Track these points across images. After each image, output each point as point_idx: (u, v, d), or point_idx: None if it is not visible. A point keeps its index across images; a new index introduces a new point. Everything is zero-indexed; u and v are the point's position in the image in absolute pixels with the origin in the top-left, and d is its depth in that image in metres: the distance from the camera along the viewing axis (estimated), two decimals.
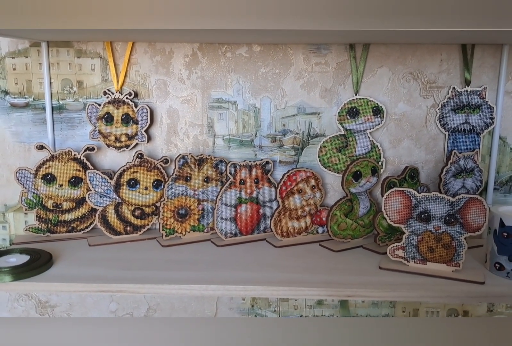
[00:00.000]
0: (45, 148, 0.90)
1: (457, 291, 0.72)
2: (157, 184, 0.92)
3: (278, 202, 0.90)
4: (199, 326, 0.99)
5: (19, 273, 0.74)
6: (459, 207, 0.75)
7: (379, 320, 1.02)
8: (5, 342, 0.91)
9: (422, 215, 0.77)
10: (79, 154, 0.92)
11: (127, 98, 0.93)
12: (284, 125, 0.96)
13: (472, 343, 0.86)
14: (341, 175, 0.89)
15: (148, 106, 0.93)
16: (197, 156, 0.90)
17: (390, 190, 0.78)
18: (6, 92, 0.95)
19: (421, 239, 0.78)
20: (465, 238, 0.75)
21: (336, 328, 0.97)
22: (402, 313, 1.02)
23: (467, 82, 0.91)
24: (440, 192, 0.89)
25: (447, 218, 0.75)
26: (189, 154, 0.90)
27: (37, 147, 0.90)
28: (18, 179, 0.90)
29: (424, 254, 0.78)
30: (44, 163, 0.90)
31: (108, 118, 0.93)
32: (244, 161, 0.91)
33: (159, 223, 0.90)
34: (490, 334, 0.91)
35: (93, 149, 0.93)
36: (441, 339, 0.93)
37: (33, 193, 0.91)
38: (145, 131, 0.94)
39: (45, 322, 1.01)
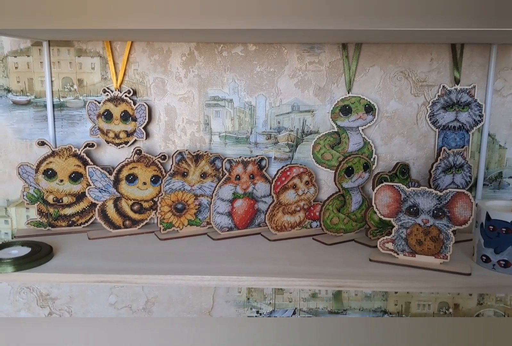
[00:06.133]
0: (46, 144, 0.92)
1: (444, 282, 0.75)
2: (155, 180, 0.95)
3: (272, 197, 0.93)
4: (197, 326, 1.01)
5: (20, 264, 0.76)
6: (446, 201, 0.77)
7: (372, 319, 1.04)
8: (5, 342, 0.93)
9: (411, 209, 0.79)
10: (79, 150, 0.94)
11: (126, 96, 0.95)
12: (278, 122, 0.98)
13: (462, 342, 0.88)
14: (334, 171, 0.91)
15: (146, 104, 0.96)
16: (194, 153, 0.93)
17: (380, 185, 0.81)
18: (9, 90, 0.97)
19: (410, 232, 0.80)
20: (452, 231, 0.78)
21: (330, 327, 1.00)
22: (394, 306, 1.05)
23: (457, 81, 0.93)
24: (430, 188, 0.91)
25: (435, 211, 0.78)
26: (186, 150, 0.92)
27: (38, 143, 0.92)
28: (20, 174, 0.92)
29: (413, 247, 0.80)
30: (45, 158, 0.93)
31: (108, 116, 0.96)
32: (240, 157, 0.93)
33: (157, 218, 0.92)
34: (480, 333, 0.93)
35: (93, 145, 0.95)
36: (433, 338, 0.95)
37: (35, 188, 0.93)
38: (143, 128, 0.96)
39: (44, 322, 1.04)
